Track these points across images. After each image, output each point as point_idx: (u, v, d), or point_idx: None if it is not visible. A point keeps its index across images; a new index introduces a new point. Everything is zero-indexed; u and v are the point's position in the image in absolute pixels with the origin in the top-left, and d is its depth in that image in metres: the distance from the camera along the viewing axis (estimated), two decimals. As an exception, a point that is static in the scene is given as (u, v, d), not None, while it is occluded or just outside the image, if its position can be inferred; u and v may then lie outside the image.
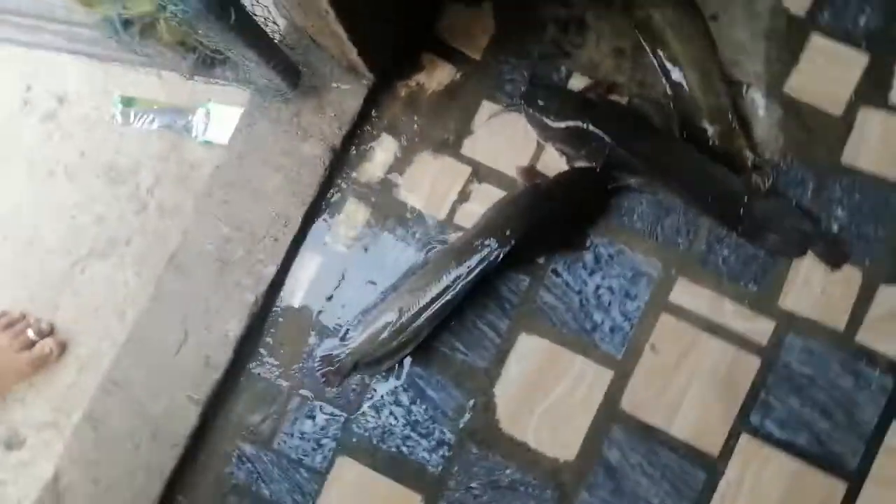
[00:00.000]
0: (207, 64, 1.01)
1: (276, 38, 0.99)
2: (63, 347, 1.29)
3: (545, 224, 1.03)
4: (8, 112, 1.42)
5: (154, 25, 0.84)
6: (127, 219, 1.37)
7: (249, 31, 0.88)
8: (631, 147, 1.01)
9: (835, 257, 1.03)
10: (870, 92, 1.06)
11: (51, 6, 0.97)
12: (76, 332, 1.32)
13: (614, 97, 1.09)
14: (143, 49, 0.91)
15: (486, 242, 1.00)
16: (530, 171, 1.08)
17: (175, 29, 0.84)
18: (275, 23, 0.96)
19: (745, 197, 1.03)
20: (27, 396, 1.29)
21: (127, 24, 0.83)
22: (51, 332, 1.30)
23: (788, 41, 1.08)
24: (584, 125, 1.02)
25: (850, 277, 1.03)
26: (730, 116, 1.06)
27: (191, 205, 1.34)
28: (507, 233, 1.00)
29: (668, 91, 1.09)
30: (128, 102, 1.37)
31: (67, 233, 1.37)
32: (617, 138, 1.01)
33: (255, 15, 0.90)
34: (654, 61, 1.09)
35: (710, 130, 1.07)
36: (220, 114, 1.34)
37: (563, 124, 1.04)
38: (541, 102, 1.05)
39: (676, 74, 1.08)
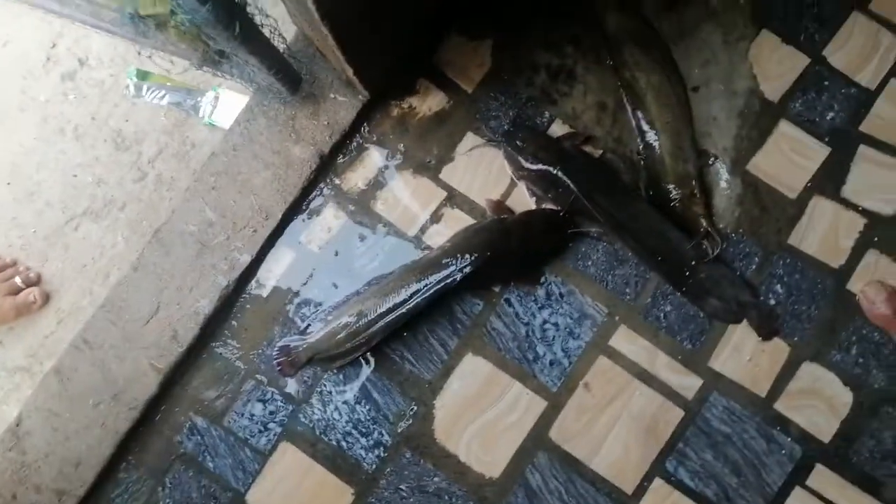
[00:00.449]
0: (215, 59, 1.07)
1: (282, 47, 1.06)
2: (46, 298, 1.36)
3: (504, 257, 1.10)
4: (31, 65, 1.49)
5: (167, 22, 0.91)
6: (125, 185, 1.44)
7: (253, 41, 0.95)
8: (594, 199, 1.08)
9: (767, 329, 1.10)
10: (825, 183, 1.13)
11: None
12: (61, 285, 1.39)
13: (589, 148, 1.16)
14: (156, 38, 0.98)
15: (448, 265, 1.07)
16: (499, 205, 1.15)
17: (185, 29, 0.91)
18: (281, 35, 1.03)
19: (693, 262, 1.10)
20: (6, 339, 1.36)
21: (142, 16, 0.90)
22: (37, 281, 1.37)
23: (758, 123, 1.15)
24: (555, 171, 1.09)
25: (778, 350, 1.11)
26: (693, 183, 1.13)
27: (186, 180, 1.41)
28: (468, 260, 1.07)
29: (641, 150, 1.15)
30: (142, 76, 1.43)
31: (67, 190, 1.44)
32: (582, 189, 1.08)
33: (263, 26, 0.97)
34: (633, 120, 1.16)
35: (674, 193, 1.13)
36: (229, 99, 1.41)
37: (535, 167, 1.11)
38: (519, 143, 1.12)
39: (651, 136, 1.14)
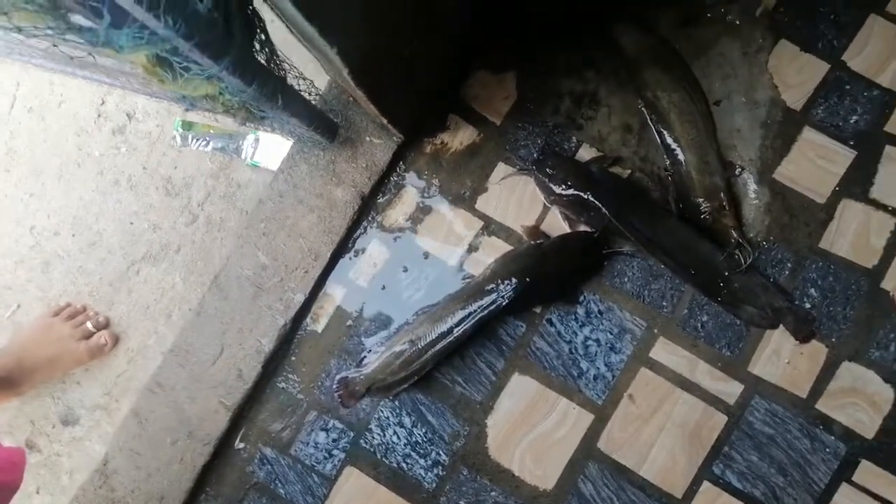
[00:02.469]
0: (257, 118, 1.15)
1: (318, 99, 1.13)
2: (116, 340, 1.46)
3: (542, 280, 1.15)
4: (83, 123, 1.59)
5: (215, 97, 0.99)
6: (178, 228, 1.53)
7: (294, 104, 1.01)
8: (624, 219, 1.13)
9: (804, 333, 1.14)
10: (852, 186, 1.15)
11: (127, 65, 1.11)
12: (128, 326, 1.49)
13: (617, 169, 1.20)
14: (202, 105, 1.06)
15: (490, 292, 1.13)
16: (534, 230, 1.20)
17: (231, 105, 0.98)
18: (317, 91, 1.10)
19: (726, 272, 1.13)
20: (83, 380, 1.47)
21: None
22: (107, 325, 1.47)
23: (782, 131, 1.17)
24: (586, 195, 1.14)
25: (816, 352, 1.14)
26: (722, 196, 1.17)
27: (235, 220, 1.50)
28: (509, 286, 1.13)
29: (668, 167, 1.19)
30: (187, 126, 1.52)
31: (126, 237, 1.54)
32: (612, 210, 1.13)
33: (300, 88, 1.04)
34: (658, 139, 1.19)
35: (703, 206, 1.17)
36: (269, 140, 1.48)
37: (567, 192, 1.16)
38: (549, 171, 1.17)
39: (677, 153, 1.18)
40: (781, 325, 1.15)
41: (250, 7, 0.83)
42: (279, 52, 0.94)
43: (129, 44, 0.68)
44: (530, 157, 1.21)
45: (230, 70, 0.82)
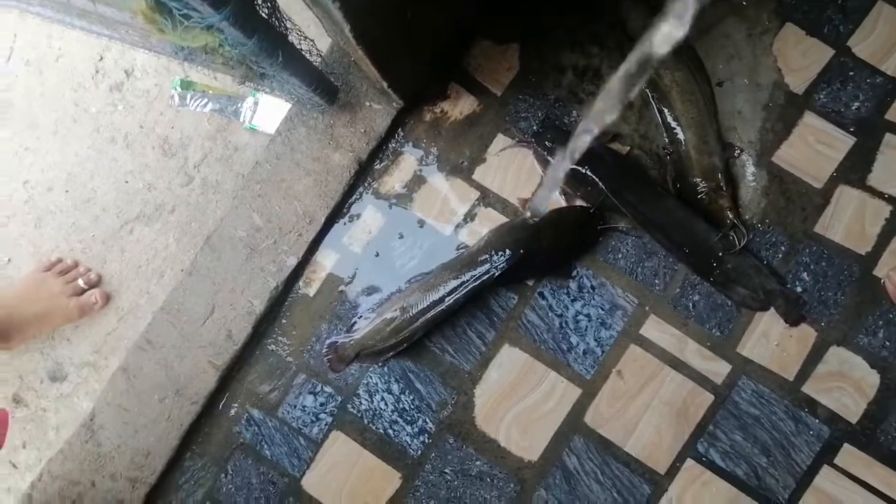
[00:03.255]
0: (257, 76, 1.14)
1: (319, 62, 1.12)
2: (107, 298, 1.46)
3: (536, 253, 1.15)
4: (81, 78, 1.58)
5: (214, 50, 0.98)
6: (174, 189, 1.52)
7: (294, 63, 1.01)
8: (621, 196, 1.13)
9: (794, 316, 1.14)
10: (850, 172, 1.15)
11: (126, 13, 1.10)
12: (119, 285, 1.48)
13: (616, 146, 1.20)
14: (202, 60, 1.05)
15: (483, 263, 1.13)
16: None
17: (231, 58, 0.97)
18: (318, 52, 1.09)
19: (720, 253, 1.14)
20: (72, 337, 1.47)
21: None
22: (98, 282, 1.47)
23: (783, 115, 1.17)
24: (584, 170, 1.14)
25: (805, 335, 1.14)
26: (719, 176, 1.16)
27: (231, 183, 1.49)
28: (503, 257, 1.13)
29: (667, 146, 1.19)
30: (186, 85, 1.51)
31: (120, 195, 1.53)
32: (610, 186, 1.13)
33: (301, 48, 1.03)
34: (658, 117, 1.19)
35: (701, 186, 1.17)
36: (267, 104, 1.47)
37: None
38: (548, 143, 1.17)
39: (676, 132, 1.18)
40: (772, 308, 1.15)
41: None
42: (281, 9, 0.93)
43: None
44: (530, 130, 1.21)
45: (230, 20, 0.81)
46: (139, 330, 1.31)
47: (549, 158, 1.16)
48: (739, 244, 1.14)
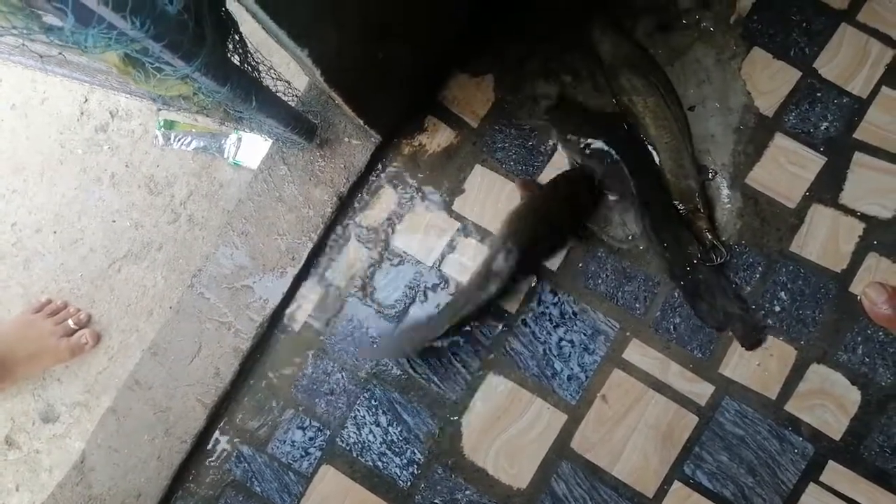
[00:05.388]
0: (234, 118, 1.16)
1: (296, 101, 1.14)
2: (97, 338, 1.47)
3: (540, 238, 1.19)
4: (66, 120, 1.60)
5: (190, 97, 1.00)
6: (160, 227, 1.54)
7: (270, 106, 1.02)
8: (634, 174, 1.18)
9: (749, 341, 1.16)
10: (823, 191, 1.17)
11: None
12: (109, 324, 1.50)
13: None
14: (180, 106, 1.07)
15: (499, 256, 1.16)
16: (528, 184, 1.22)
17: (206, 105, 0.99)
18: (295, 92, 1.11)
19: (695, 260, 1.15)
20: (63, 377, 1.48)
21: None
22: (88, 322, 1.48)
23: (755, 137, 1.19)
24: (605, 147, 1.20)
25: (785, 354, 1.16)
26: (697, 198, 1.18)
27: (217, 219, 1.51)
28: (516, 242, 1.16)
29: (642, 170, 1.21)
30: (169, 125, 1.53)
31: (108, 235, 1.54)
32: (628, 163, 1.18)
33: (277, 89, 1.05)
34: (632, 143, 1.21)
35: (679, 208, 1.19)
36: (251, 139, 1.49)
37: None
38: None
39: (653, 156, 1.20)
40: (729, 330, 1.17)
41: (223, 8, 0.84)
42: (254, 53, 0.95)
43: (97, 44, 0.69)
44: (507, 160, 1.23)
45: (202, 71, 0.82)
46: (129, 368, 1.32)
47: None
48: (717, 261, 1.15)
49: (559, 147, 1.23)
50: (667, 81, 1.21)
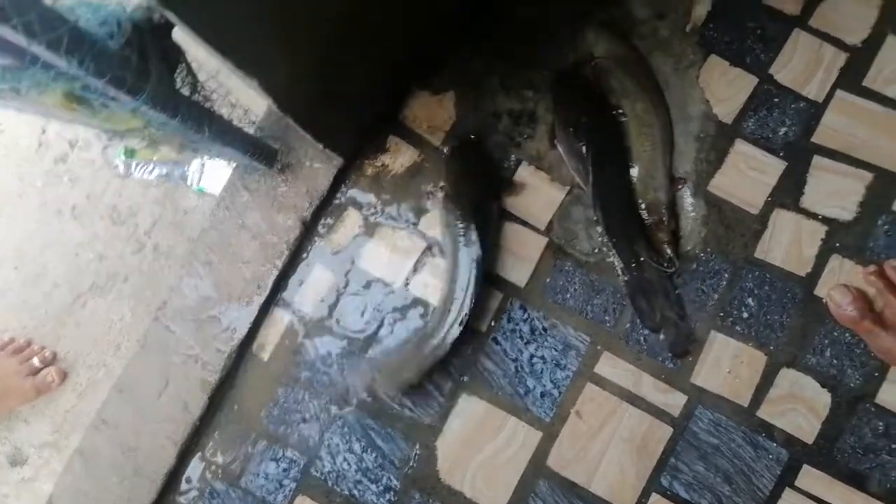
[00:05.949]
0: (190, 148, 1.14)
1: (253, 126, 1.13)
2: (64, 376, 1.44)
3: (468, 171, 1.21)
4: (24, 153, 1.57)
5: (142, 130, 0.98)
6: (125, 258, 1.51)
7: (225, 134, 1.01)
8: (597, 163, 1.18)
9: (678, 349, 1.16)
10: (784, 195, 1.18)
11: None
12: (76, 360, 1.46)
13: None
14: (130, 139, 1.05)
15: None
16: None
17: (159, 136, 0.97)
18: (253, 119, 1.09)
19: (643, 257, 1.15)
20: (30, 418, 1.44)
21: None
22: (53, 360, 1.45)
23: (715, 144, 1.20)
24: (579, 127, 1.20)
25: (755, 359, 1.16)
26: (663, 210, 1.18)
27: (183, 247, 1.48)
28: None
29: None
30: (130, 154, 1.50)
31: (71, 268, 1.51)
32: (593, 149, 1.18)
33: (233, 116, 1.03)
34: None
35: (645, 219, 1.19)
36: (214, 165, 1.48)
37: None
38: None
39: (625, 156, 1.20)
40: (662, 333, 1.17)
41: (168, 41, 0.82)
42: (205, 82, 0.94)
43: (33, 86, 0.67)
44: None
45: (150, 104, 0.81)
46: (98, 405, 1.29)
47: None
48: (668, 270, 1.15)
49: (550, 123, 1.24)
50: (658, 88, 1.20)
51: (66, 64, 0.67)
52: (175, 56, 0.85)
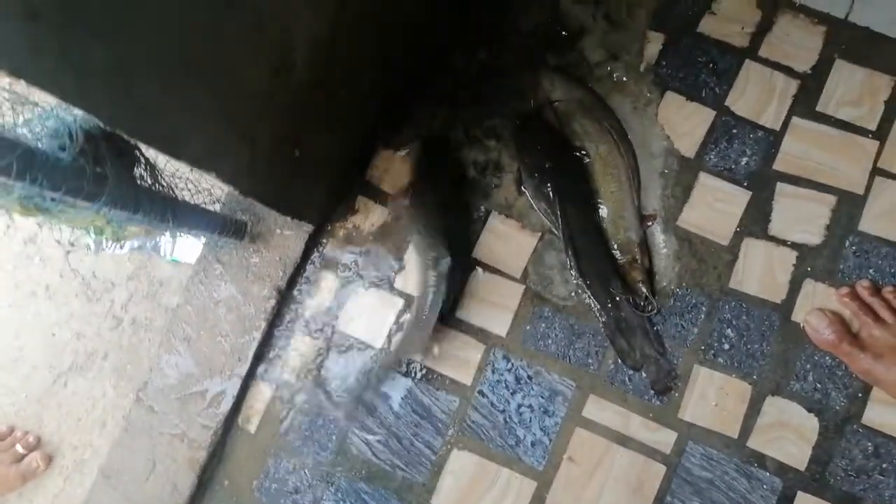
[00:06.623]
0: (162, 230, 1.13)
1: (220, 205, 1.12)
2: (49, 460, 1.41)
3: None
4: (-6, 235, 1.55)
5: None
6: (103, 334, 1.49)
7: (190, 218, 1.01)
8: (564, 206, 1.18)
9: (660, 386, 1.17)
10: (752, 224, 1.19)
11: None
12: (60, 443, 1.44)
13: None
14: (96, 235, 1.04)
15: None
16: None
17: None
18: (218, 197, 1.09)
19: (618, 297, 1.16)
20: (17, 506, 1.42)
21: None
22: (37, 445, 1.42)
23: (680, 179, 1.21)
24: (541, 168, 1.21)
25: (740, 390, 1.16)
26: (635, 249, 1.18)
27: (161, 318, 1.47)
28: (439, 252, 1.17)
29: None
30: (100, 231, 1.49)
31: (49, 349, 1.49)
32: (559, 190, 1.19)
33: (198, 200, 1.03)
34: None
35: (618, 257, 1.19)
36: (185, 236, 1.47)
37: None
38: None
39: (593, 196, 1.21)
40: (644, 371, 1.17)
41: (123, 142, 0.82)
42: (163, 172, 0.93)
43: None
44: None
45: (109, 206, 0.80)
46: (87, 487, 1.27)
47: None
48: (645, 311, 1.16)
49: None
50: (620, 128, 1.22)
51: (19, 184, 0.67)
52: (131, 154, 0.85)
